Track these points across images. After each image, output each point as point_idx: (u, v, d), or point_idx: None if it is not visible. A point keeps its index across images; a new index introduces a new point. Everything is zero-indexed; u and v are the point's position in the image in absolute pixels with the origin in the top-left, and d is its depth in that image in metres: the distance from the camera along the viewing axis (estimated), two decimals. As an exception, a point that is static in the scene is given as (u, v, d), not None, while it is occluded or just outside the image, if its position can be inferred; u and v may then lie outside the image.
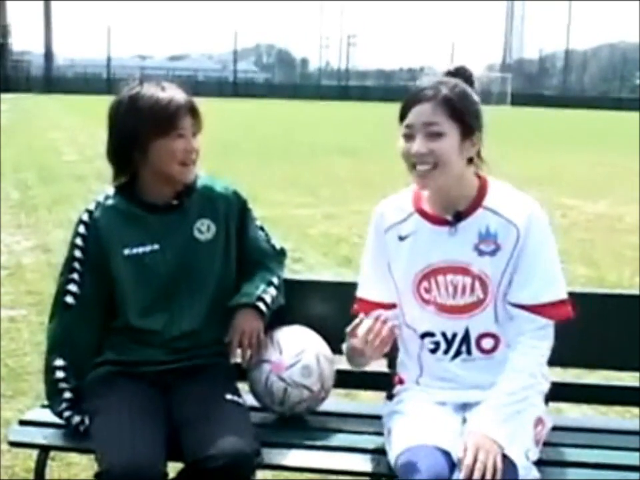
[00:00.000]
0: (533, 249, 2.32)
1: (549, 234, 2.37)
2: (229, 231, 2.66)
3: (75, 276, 2.59)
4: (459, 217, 2.36)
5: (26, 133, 20.75)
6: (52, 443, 2.58)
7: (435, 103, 2.27)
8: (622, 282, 6.97)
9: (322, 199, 11.27)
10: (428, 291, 2.40)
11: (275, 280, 2.72)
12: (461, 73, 2.36)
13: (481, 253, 2.34)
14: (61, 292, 2.60)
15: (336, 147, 19.11)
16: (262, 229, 2.78)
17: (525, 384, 2.29)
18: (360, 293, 2.54)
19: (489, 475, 2.10)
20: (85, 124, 24.58)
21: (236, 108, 34.71)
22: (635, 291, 2.94)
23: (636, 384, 2.89)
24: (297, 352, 2.63)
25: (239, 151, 17.39)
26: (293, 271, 6.66)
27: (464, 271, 2.35)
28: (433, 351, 2.43)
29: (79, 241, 2.60)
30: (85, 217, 2.61)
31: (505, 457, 2.16)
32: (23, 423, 2.68)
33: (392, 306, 2.48)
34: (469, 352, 2.40)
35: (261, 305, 2.64)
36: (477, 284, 2.35)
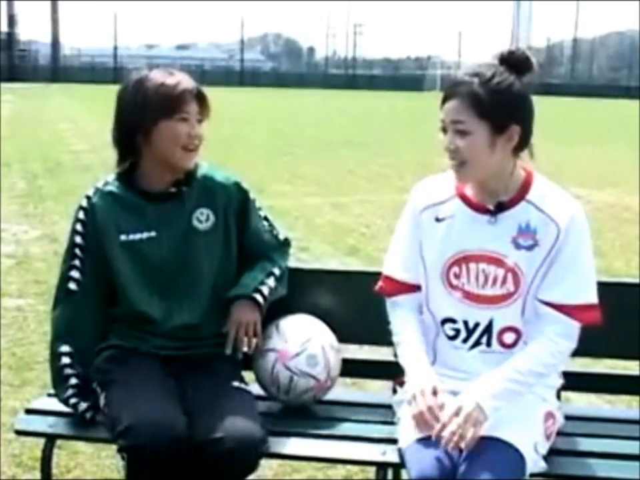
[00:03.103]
0: (570, 250, 2.29)
1: (588, 237, 2.34)
2: (228, 222, 2.65)
3: (77, 262, 2.60)
4: (501, 207, 2.33)
5: (32, 123, 20.76)
6: (58, 431, 2.59)
7: (463, 101, 2.24)
8: (629, 271, 6.95)
9: (329, 189, 11.24)
10: (457, 276, 2.37)
11: (276, 270, 2.71)
12: (511, 59, 2.27)
13: (518, 246, 2.31)
14: (64, 279, 2.62)
15: (343, 137, 19.08)
16: (266, 219, 2.77)
17: (533, 369, 2.27)
18: (386, 270, 2.52)
19: (462, 444, 2.13)
20: (91, 114, 24.59)
21: (242, 98, 34.68)
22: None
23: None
24: (303, 341, 2.63)
25: (245, 142, 17.38)
26: (299, 260, 6.64)
27: (498, 262, 2.32)
28: (452, 338, 2.42)
29: (79, 227, 2.61)
30: (84, 203, 2.61)
31: (514, 449, 2.16)
32: (29, 411, 2.69)
33: (417, 288, 2.46)
34: (488, 344, 2.38)
35: (258, 297, 2.63)
36: (509, 277, 2.32)
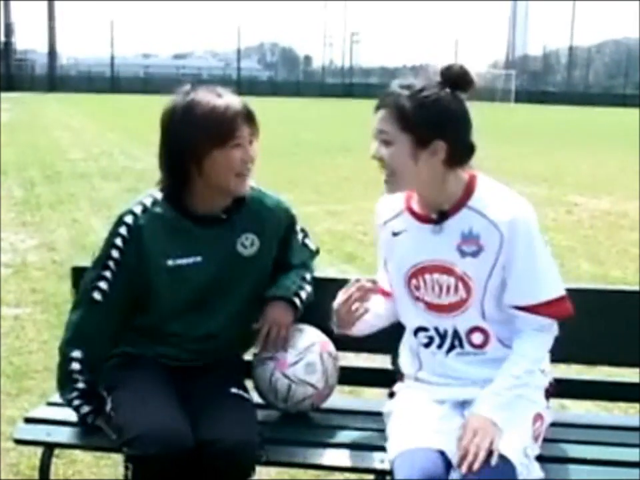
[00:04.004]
0: (521, 251, 2.28)
1: (537, 233, 2.32)
2: (271, 246, 2.65)
3: (108, 274, 2.55)
4: (443, 216, 2.34)
5: (30, 132, 20.76)
6: (56, 440, 2.59)
7: (388, 112, 2.27)
8: (626, 278, 6.96)
9: (326, 196, 11.26)
10: (417, 288, 2.42)
11: (308, 276, 2.73)
12: (448, 74, 2.27)
13: (463, 253, 2.32)
14: (90, 287, 2.57)
15: (340, 145, 19.10)
16: (302, 230, 2.77)
17: (528, 368, 2.31)
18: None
19: (481, 456, 2.13)
20: (88, 122, 24.61)
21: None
22: (637, 287, 2.93)
23: (638, 380, 2.88)
24: (301, 349, 2.63)
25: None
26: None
27: (448, 270, 2.35)
28: (427, 345, 2.45)
29: (118, 242, 2.53)
30: (129, 220, 2.53)
31: (504, 458, 2.16)
32: (28, 420, 2.69)
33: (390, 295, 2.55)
34: (461, 346, 2.41)
35: (297, 301, 2.65)
36: (460, 284, 2.34)
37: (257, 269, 2.63)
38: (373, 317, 2.55)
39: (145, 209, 2.55)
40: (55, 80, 58.83)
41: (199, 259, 2.55)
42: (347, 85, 68.02)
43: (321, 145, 19.16)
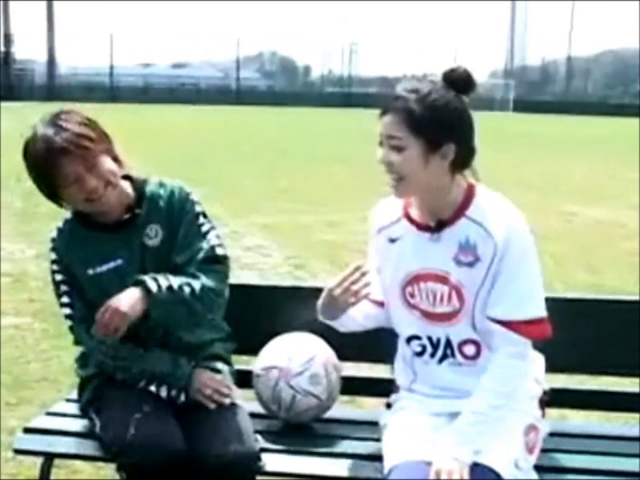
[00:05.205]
0: (511, 264, 2.26)
1: (530, 249, 2.31)
2: (175, 233, 2.62)
3: (65, 288, 2.64)
4: (442, 224, 2.33)
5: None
6: (56, 450, 2.60)
7: (398, 116, 2.23)
8: (622, 287, 6.95)
9: (324, 206, 11.26)
10: (412, 295, 2.40)
11: (196, 285, 2.53)
12: (452, 77, 2.28)
13: (459, 263, 2.31)
14: (60, 306, 2.66)
15: (338, 155, 19.11)
16: (208, 232, 2.62)
17: (492, 403, 2.25)
18: None
19: None
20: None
21: (238, 116, 34.68)
22: (635, 297, 2.94)
23: (638, 390, 2.89)
24: (306, 359, 2.64)
25: (240, 160, 17.40)
26: (296, 277, 6.68)
27: (443, 279, 2.34)
28: (420, 354, 2.44)
29: (54, 266, 2.66)
30: (51, 244, 2.68)
31: (488, 469, 2.16)
32: (27, 430, 2.69)
33: (380, 304, 2.52)
34: (453, 356, 2.40)
35: (152, 285, 2.48)
36: (454, 294, 2.33)
37: (165, 259, 2.59)
38: (362, 316, 2.52)
39: (60, 231, 2.69)
40: (54, 89, 58.79)
41: (119, 262, 2.60)
42: (345, 95, 68.03)
43: (319, 156, 19.16)
